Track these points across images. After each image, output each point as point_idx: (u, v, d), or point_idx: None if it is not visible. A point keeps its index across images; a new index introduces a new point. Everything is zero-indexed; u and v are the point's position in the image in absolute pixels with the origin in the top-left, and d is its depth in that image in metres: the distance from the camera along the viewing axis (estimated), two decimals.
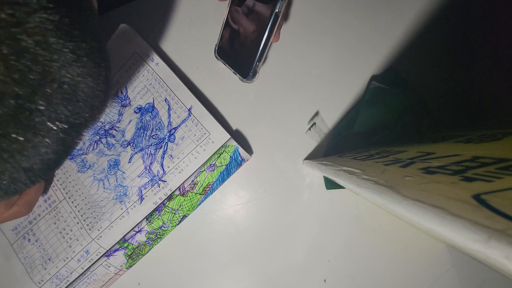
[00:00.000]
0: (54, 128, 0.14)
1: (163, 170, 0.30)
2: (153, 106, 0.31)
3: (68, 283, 0.29)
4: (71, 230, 0.30)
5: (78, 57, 0.14)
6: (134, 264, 0.30)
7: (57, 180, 0.31)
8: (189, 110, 0.30)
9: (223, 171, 0.28)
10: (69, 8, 0.13)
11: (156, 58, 0.31)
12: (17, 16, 0.11)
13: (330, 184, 0.30)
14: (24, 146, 0.14)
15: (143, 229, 0.28)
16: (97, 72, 0.16)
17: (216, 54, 0.29)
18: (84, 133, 0.17)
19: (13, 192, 0.15)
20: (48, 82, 0.13)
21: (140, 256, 0.29)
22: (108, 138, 0.31)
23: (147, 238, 0.28)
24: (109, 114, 0.31)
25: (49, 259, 0.29)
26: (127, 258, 0.28)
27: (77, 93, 0.15)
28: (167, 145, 0.30)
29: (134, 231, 0.28)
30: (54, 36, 0.13)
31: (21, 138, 0.13)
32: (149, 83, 0.31)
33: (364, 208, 0.30)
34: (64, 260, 0.29)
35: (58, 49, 0.13)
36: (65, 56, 0.13)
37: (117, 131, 0.31)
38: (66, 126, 0.15)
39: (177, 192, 0.28)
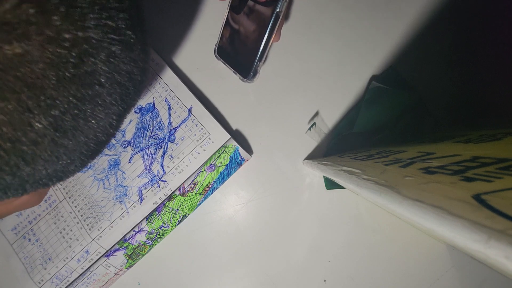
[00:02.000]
0: (120, 108, 0.15)
1: (163, 170, 0.30)
2: (153, 106, 0.31)
3: (68, 283, 0.29)
4: (71, 230, 0.30)
5: (140, 45, 0.15)
6: (134, 264, 0.30)
7: None
8: (189, 110, 0.30)
9: (223, 171, 0.28)
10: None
11: (156, 58, 0.31)
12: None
13: (330, 184, 0.30)
14: (99, 119, 0.14)
15: (143, 229, 0.28)
16: (144, 59, 0.16)
17: (216, 54, 0.29)
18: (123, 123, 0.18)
19: (70, 173, 0.15)
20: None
21: (140, 256, 0.29)
22: None
23: (147, 238, 0.28)
24: None
25: (49, 259, 0.29)
26: (127, 258, 0.28)
27: (135, 76, 0.15)
28: (167, 145, 0.30)
29: (134, 231, 0.28)
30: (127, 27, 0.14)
31: (100, 116, 0.14)
32: (149, 83, 0.31)
33: (364, 208, 0.30)
34: (64, 260, 0.29)
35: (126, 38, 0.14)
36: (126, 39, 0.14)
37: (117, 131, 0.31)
38: (125, 106, 0.15)
39: (177, 192, 0.28)
